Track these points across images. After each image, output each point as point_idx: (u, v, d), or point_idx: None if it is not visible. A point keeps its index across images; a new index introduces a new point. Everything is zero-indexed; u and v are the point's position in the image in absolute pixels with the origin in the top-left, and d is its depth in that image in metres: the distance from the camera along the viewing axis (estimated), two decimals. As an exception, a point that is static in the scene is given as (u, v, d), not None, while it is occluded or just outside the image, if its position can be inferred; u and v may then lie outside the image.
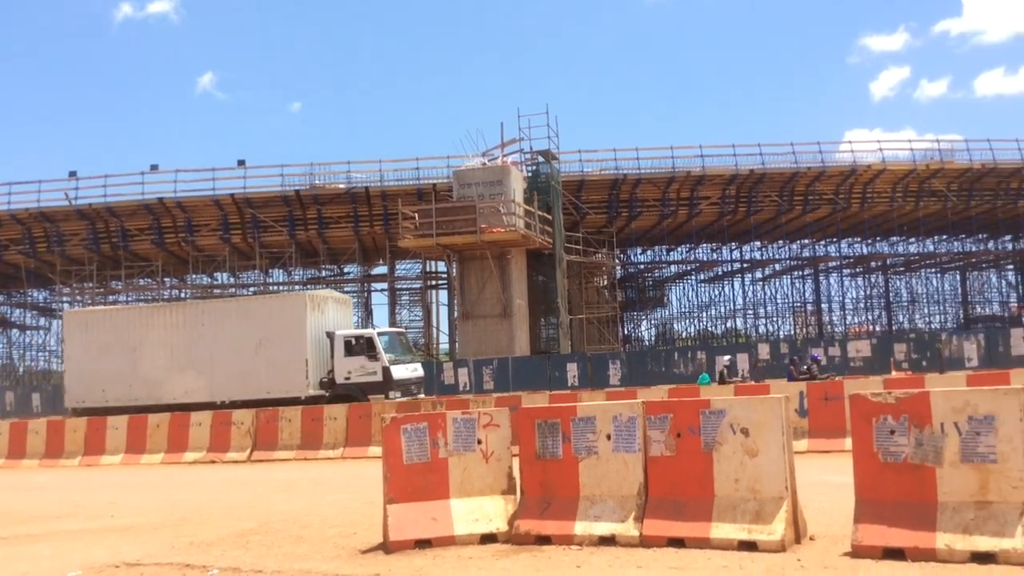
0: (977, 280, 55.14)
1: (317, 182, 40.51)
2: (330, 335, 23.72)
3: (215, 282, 47.75)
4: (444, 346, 46.26)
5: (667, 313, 57.73)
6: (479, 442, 7.46)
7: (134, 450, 18.32)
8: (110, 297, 44.49)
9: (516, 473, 7.42)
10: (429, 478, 7.36)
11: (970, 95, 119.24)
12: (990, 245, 50.67)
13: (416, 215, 34.14)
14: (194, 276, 46.48)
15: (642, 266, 52.38)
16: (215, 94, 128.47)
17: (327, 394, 23.12)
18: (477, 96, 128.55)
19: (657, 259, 51.83)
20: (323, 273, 47.61)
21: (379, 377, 23.00)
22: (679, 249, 50.46)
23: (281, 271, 46.46)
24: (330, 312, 24.80)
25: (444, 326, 45.42)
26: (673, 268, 52.92)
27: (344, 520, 8.91)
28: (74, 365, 26.08)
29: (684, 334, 57.79)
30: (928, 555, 5.51)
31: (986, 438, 5.57)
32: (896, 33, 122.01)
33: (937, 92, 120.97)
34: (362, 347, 23.29)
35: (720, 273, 52.96)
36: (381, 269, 47.26)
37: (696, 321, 57.30)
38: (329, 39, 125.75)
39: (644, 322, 57.87)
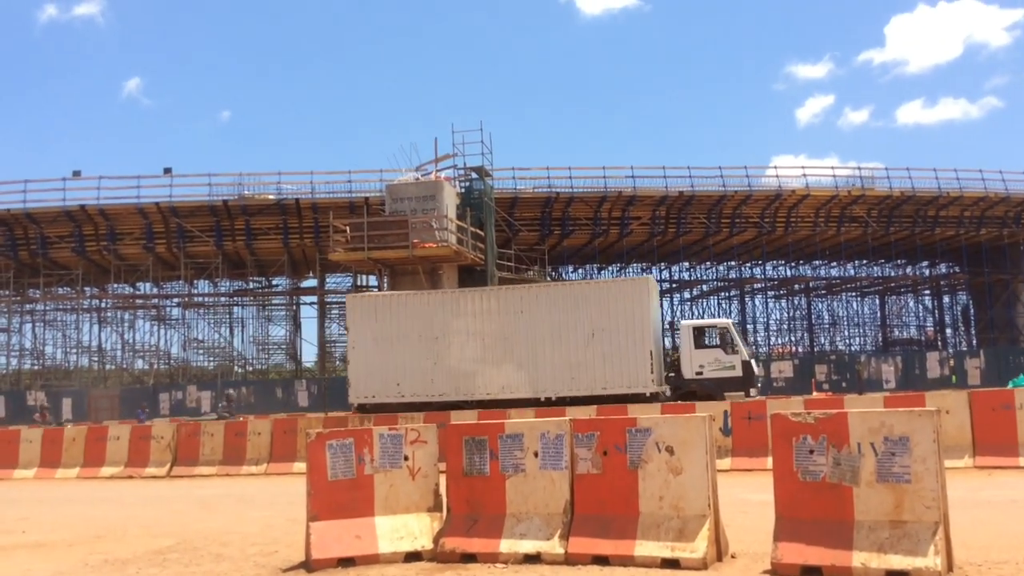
0: (895, 304, 56.96)
1: (246, 192, 39.87)
2: (672, 324, 22.51)
3: (137, 292, 46.57)
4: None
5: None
6: (406, 459, 7.40)
7: (49, 464, 17.70)
8: (27, 306, 42.98)
9: (443, 490, 7.38)
10: (354, 495, 7.27)
11: (891, 124, 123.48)
12: (908, 270, 52.42)
13: (348, 228, 33.81)
14: (115, 286, 45.25)
15: (573, 284, 52.75)
16: (141, 100, 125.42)
17: (667, 391, 21.37)
18: (411, 110, 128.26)
19: (588, 278, 52.26)
20: (250, 285, 46.81)
21: (737, 372, 21.45)
22: (610, 268, 50.99)
23: (207, 282, 45.53)
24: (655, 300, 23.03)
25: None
26: (603, 287, 53.38)
27: (266, 537, 8.74)
28: (361, 357, 23.39)
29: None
30: (844, 573, 5.64)
31: (901, 458, 5.74)
32: (821, 62, 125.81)
33: (860, 120, 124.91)
34: (716, 338, 21.95)
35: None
36: (311, 282, 46.74)
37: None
38: (261, 47, 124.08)
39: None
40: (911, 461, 5.70)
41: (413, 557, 7.10)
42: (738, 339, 21.90)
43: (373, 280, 43.36)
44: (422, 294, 25.32)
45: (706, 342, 22.11)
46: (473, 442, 7.22)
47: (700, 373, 21.84)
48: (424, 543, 7.19)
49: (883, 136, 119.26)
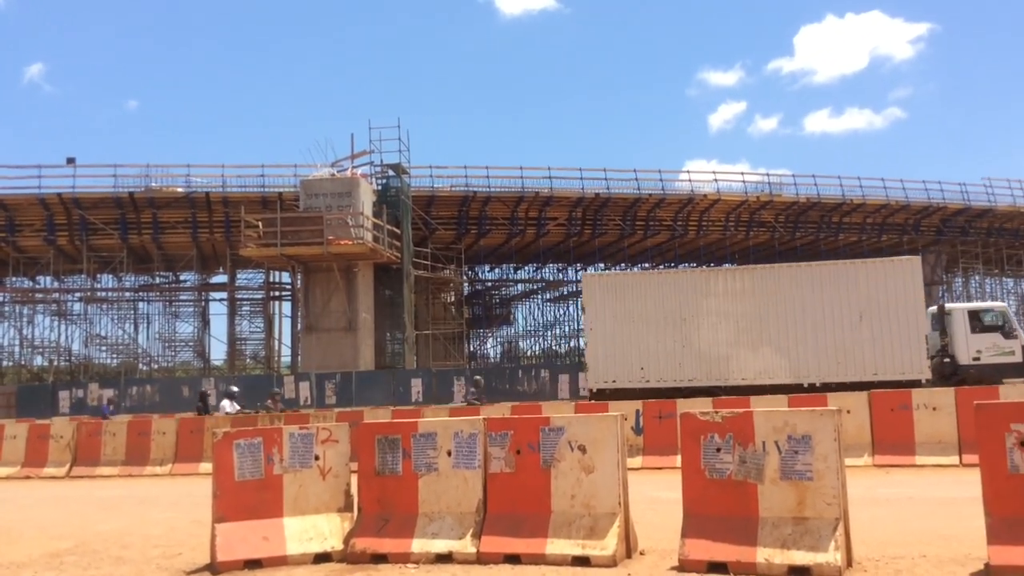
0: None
1: (153, 184, 38.66)
2: (941, 308, 21.04)
3: (37, 286, 44.73)
4: (286, 359, 45.10)
5: (513, 331, 58.50)
6: (317, 458, 7.28)
7: (-62, 464, 16.83)
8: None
9: (355, 490, 7.28)
10: (262, 495, 7.12)
11: (799, 132, 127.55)
12: (813, 274, 54.05)
13: (260, 224, 33.17)
14: (14, 279, 43.37)
15: (490, 283, 52.88)
16: (43, 86, 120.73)
17: (929, 377, 20.15)
18: (328, 105, 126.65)
19: (504, 277, 52.46)
20: (157, 280, 45.44)
21: (1017, 357, 20.43)
22: (526, 268, 51.26)
23: (111, 277, 44.02)
24: None
25: (287, 338, 44.29)
26: (520, 287, 53.70)
27: (169, 540, 8.48)
28: (599, 339, 22.23)
29: (529, 352, 58.67)
30: (749, 569, 5.77)
31: (804, 457, 5.90)
32: (732, 70, 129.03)
33: (769, 128, 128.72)
34: (994, 322, 20.89)
35: (565, 293, 54.14)
36: (221, 278, 45.62)
37: (541, 340, 58.29)
38: (171, 35, 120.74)
39: (490, 339, 58.42)
40: (813, 459, 5.87)
41: (322, 558, 6.99)
42: (1015, 323, 21.32)
43: (286, 277, 42.69)
44: (667, 273, 24.37)
45: (983, 326, 21.35)
46: (386, 441, 7.15)
47: (977, 359, 21.16)
48: (334, 544, 7.08)
49: (791, 143, 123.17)
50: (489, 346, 58.71)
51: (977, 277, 51.37)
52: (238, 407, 17.87)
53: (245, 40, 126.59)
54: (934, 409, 12.56)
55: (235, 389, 19.68)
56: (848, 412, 12.60)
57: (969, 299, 51.85)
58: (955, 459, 12.03)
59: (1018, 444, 5.55)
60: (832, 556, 5.62)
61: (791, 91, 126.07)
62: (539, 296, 55.89)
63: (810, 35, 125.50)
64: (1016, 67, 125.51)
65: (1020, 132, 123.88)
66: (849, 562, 5.88)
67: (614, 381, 22.08)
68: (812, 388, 19.97)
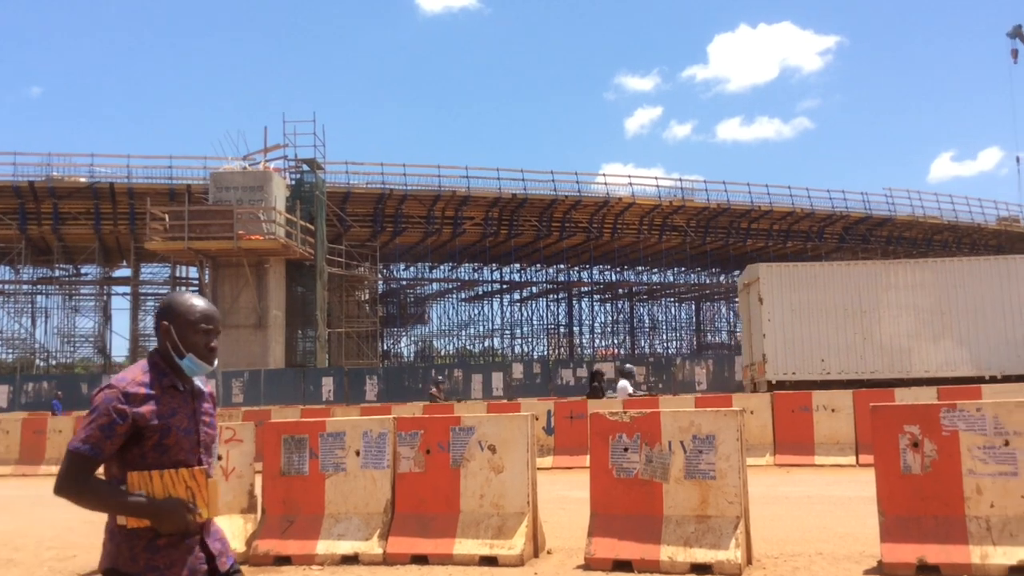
0: (710, 310, 60.20)
1: (55, 174, 37.17)
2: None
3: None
4: (192, 356, 43.80)
5: (427, 330, 58.28)
6: (220, 458, 7.09)
7: None
8: None
9: (259, 491, 7.12)
10: (162, 496, 6.89)
11: (712, 139, 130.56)
12: (722, 278, 55.45)
13: (166, 216, 32.23)
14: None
15: (405, 282, 52.54)
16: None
17: None
18: (241, 98, 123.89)
19: (420, 276, 52.20)
20: (56, 273, 43.69)
21: None
22: (442, 267, 51.12)
23: (8, 268, 42.13)
24: None
25: (193, 335, 42.98)
26: (435, 286, 53.52)
27: (63, 542, 8.15)
28: (777, 330, 21.94)
29: (443, 351, 58.53)
30: (652, 567, 5.86)
31: (708, 456, 6.02)
32: (649, 75, 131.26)
33: (683, 134, 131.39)
34: None
35: (480, 293, 54.21)
36: (124, 272, 44.15)
37: (455, 339, 58.23)
38: (77, 21, 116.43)
39: (404, 338, 58.07)
40: (716, 459, 5.99)
41: (224, 560, 6.80)
42: None
43: (193, 272, 41.54)
44: (844, 265, 24.33)
45: None
46: (292, 441, 7.01)
47: None
48: (236, 546, 6.90)
49: (704, 150, 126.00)
50: (403, 345, 58.42)
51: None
52: (632, 389, 16.99)
53: (156, 27, 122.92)
54: (833, 411, 12.98)
55: (631, 367, 18.77)
56: (752, 412, 12.94)
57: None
58: (852, 459, 12.46)
59: (911, 445, 5.77)
60: (733, 554, 5.75)
61: (705, 98, 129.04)
62: (454, 295, 55.82)
63: (724, 44, 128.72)
64: (917, 82, 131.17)
65: (920, 144, 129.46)
66: (749, 559, 6.02)
67: (794, 373, 22.19)
68: (994, 380, 20.04)
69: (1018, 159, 56.84)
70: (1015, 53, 52.21)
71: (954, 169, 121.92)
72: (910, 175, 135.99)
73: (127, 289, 42.89)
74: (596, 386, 16.22)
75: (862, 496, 7.46)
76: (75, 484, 2.51)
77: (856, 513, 7.89)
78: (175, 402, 2.62)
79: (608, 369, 33.38)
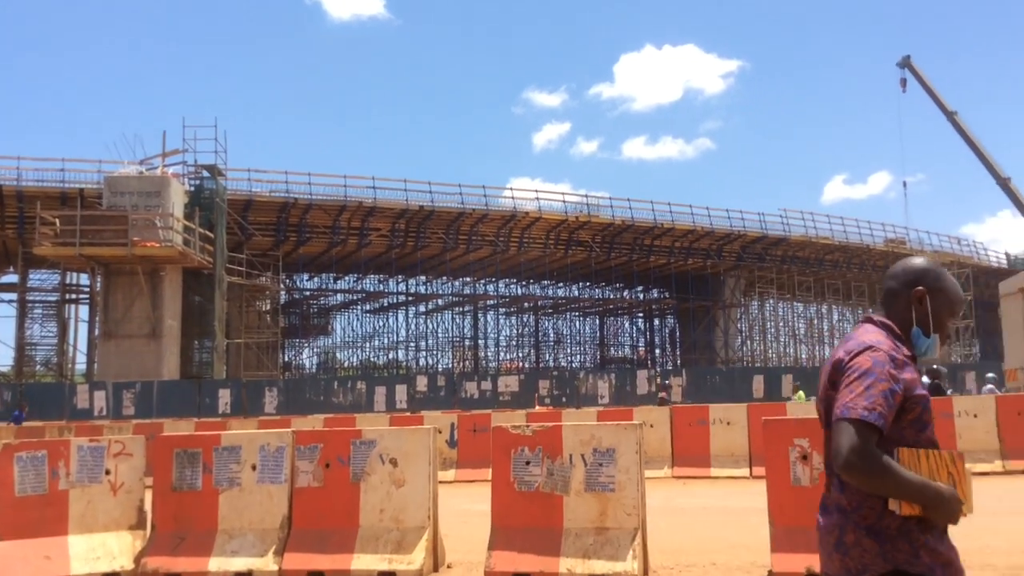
0: (613, 325, 61.12)
1: (-64, 174, 35.22)
2: None
3: None
4: (82, 367, 42.12)
5: (331, 342, 57.40)
6: (108, 472, 6.83)
7: None
8: None
9: (150, 507, 6.87)
10: (45, 512, 6.61)
11: (617, 156, 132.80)
12: (625, 294, 56.40)
13: (57, 221, 30.90)
14: None
15: (308, 292, 51.66)
16: None
17: None
18: (139, 100, 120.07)
19: (324, 286, 51.40)
20: (-64, 277, 41.37)
21: None
22: (347, 278, 50.47)
23: None
24: None
25: (83, 344, 41.40)
26: (340, 297, 52.78)
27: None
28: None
29: (347, 363, 57.72)
30: (552, 579, 5.88)
31: (607, 469, 6.10)
32: (557, 92, 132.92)
33: (590, 151, 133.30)
34: None
35: (386, 304, 53.71)
36: (11, 277, 42.07)
37: (360, 351, 57.52)
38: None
39: (307, 350, 57.04)
40: (616, 471, 6.08)
41: (110, 579, 6.55)
42: None
43: (85, 279, 39.94)
44: None
45: None
46: (185, 455, 6.80)
47: None
48: (124, 563, 6.66)
49: (610, 167, 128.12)
50: (305, 356, 57.35)
51: (771, 301, 55.20)
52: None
53: (50, 26, 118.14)
54: (728, 424, 13.34)
55: (943, 369, 17.91)
56: (651, 426, 13.18)
57: (763, 322, 55.72)
58: (746, 471, 12.82)
59: (800, 458, 5.97)
60: (630, 565, 5.82)
61: (611, 116, 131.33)
62: (359, 307, 55.17)
63: (630, 63, 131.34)
64: (812, 108, 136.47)
65: (814, 167, 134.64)
66: (646, 570, 6.11)
67: None
68: None
69: (904, 184, 59.65)
70: (904, 82, 54.93)
71: (846, 192, 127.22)
72: (805, 197, 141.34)
73: (13, 296, 40.90)
74: (936, 383, 15.46)
75: (755, 507, 7.66)
76: (868, 459, 2.06)
77: (749, 524, 8.10)
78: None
79: (512, 382, 33.53)
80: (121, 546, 6.73)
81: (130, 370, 31.19)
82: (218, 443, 6.83)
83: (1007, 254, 56.73)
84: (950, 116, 54.37)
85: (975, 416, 12.64)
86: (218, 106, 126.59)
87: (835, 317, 59.57)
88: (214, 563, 6.47)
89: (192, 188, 35.10)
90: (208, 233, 33.83)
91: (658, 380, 32.36)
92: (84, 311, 42.28)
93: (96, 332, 36.22)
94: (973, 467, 11.97)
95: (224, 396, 30.67)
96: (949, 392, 15.98)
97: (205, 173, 35.11)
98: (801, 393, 22.82)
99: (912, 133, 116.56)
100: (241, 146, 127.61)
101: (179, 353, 33.93)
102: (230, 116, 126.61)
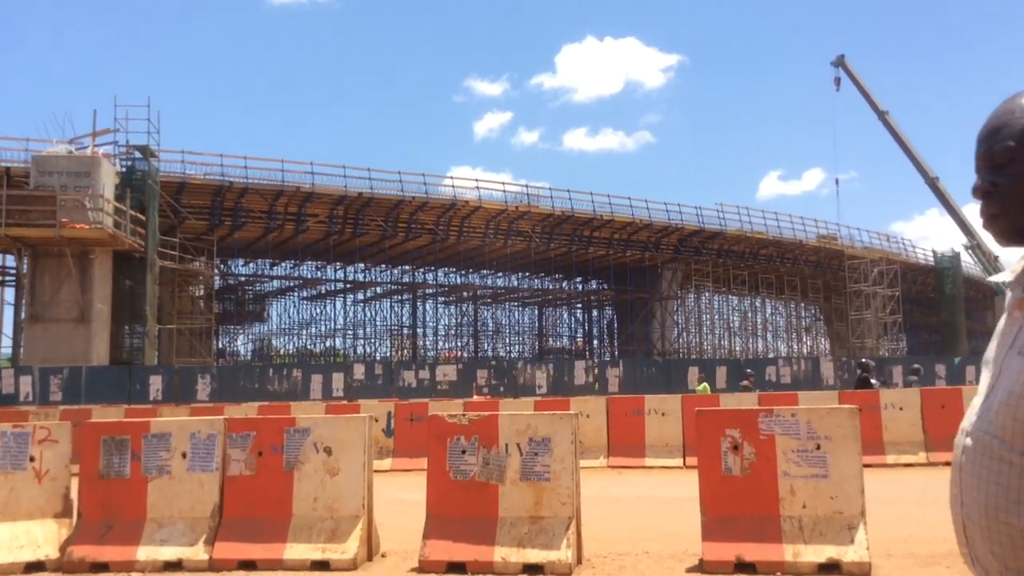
0: (551, 315, 61.43)
1: None
2: None
3: None
4: (6, 351, 40.81)
5: (267, 328, 56.60)
6: (32, 459, 6.64)
7: None
8: None
9: (76, 495, 6.70)
10: (-36, 501, 6.39)
11: (558, 147, 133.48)
12: (564, 285, 56.72)
13: (-19, 200, 29.85)
14: None
15: (243, 278, 50.83)
16: None
17: None
18: (69, 78, 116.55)
19: (260, 272, 50.63)
20: None
21: None
22: (283, 264, 49.79)
23: None
24: None
25: (8, 328, 40.09)
26: (276, 283, 52.06)
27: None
28: None
29: (283, 350, 56.99)
30: (486, 568, 5.91)
31: (543, 458, 6.14)
32: (499, 81, 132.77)
33: (531, 141, 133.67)
34: None
35: (323, 292, 53.13)
36: (-70, 259, 40.56)
37: (296, 338, 56.84)
38: None
39: (242, 336, 56.15)
40: (551, 461, 6.12)
41: (35, 568, 6.40)
42: None
43: (11, 260, 38.68)
44: None
45: None
46: (113, 442, 6.64)
47: None
48: (49, 552, 6.48)
49: (551, 158, 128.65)
50: (240, 343, 56.46)
51: (707, 294, 56.07)
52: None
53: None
54: (663, 414, 13.52)
55: (869, 361, 17.62)
56: (588, 416, 13.29)
57: (699, 315, 56.57)
58: (680, 461, 13.01)
59: (731, 448, 6.08)
60: (564, 554, 5.88)
61: (552, 107, 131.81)
62: (295, 293, 54.49)
63: (571, 54, 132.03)
64: (750, 104, 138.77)
65: (750, 162, 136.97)
66: (580, 559, 6.17)
67: None
68: None
69: (837, 181, 61.23)
70: (837, 81, 56.23)
71: (780, 188, 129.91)
72: (741, 192, 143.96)
73: (-68, 277, 39.45)
74: (864, 377, 15.83)
75: (688, 496, 7.79)
76: None
77: (681, 513, 8.24)
78: None
79: (451, 372, 33.46)
80: (46, 534, 6.56)
81: (58, 355, 30.32)
82: (147, 430, 6.69)
83: (934, 252, 58.49)
84: (882, 115, 55.85)
85: (901, 409, 13.02)
86: (152, 86, 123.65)
87: (768, 311, 60.83)
88: (143, 552, 6.34)
89: (124, 169, 34.20)
90: (140, 216, 33.02)
91: (595, 370, 32.59)
92: (10, 294, 40.96)
93: (22, 315, 35.14)
94: (899, 459, 12.39)
95: (156, 383, 29.99)
96: (876, 385, 16.56)
97: (137, 154, 34.22)
98: (706, 384, 23.32)
99: (845, 132, 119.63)
100: (175, 128, 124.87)
101: (109, 338, 33.09)
102: (164, 97, 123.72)
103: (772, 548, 5.82)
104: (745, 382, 21.65)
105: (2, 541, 6.43)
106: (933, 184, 56.06)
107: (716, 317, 58.16)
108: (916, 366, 21.39)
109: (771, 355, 54.04)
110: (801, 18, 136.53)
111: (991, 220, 1.43)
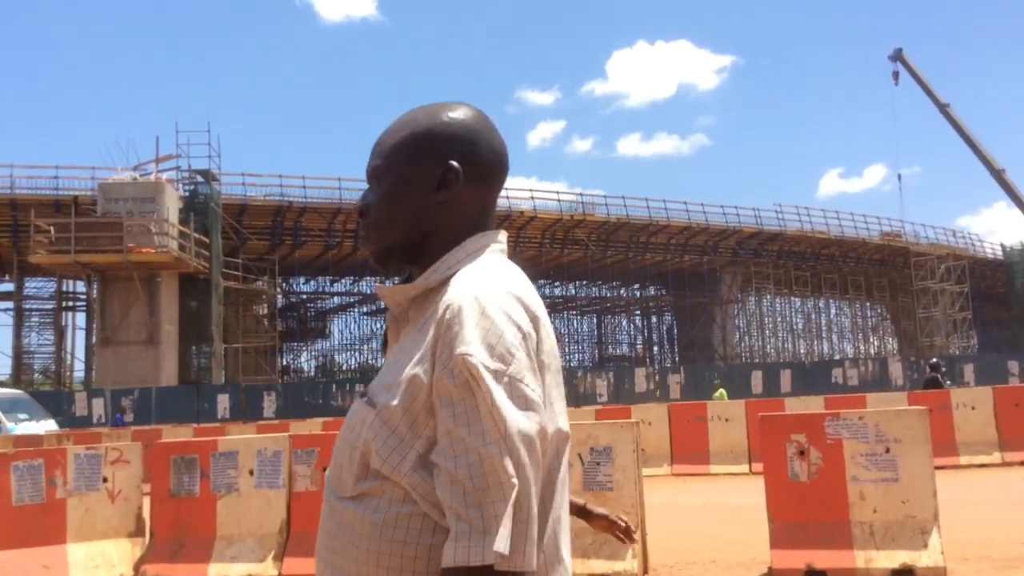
0: (611, 323, 61.14)
1: (-69, 184, 35.15)
2: None
3: None
4: (79, 374, 42.05)
5: (329, 344, 57.36)
6: (105, 480, 6.81)
7: None
8: None
9: (148, 514, 6.87)
10: (43, 521, 6.59)
11: (612, 154, 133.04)
12: (622, 292, 56.41)
13: (52, 228, 30.86)
14: None
15: (305, 296, 51.62)
16: None
17: None
18: (132, 106, 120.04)
19: (321, 290, 51.38)
20: (-69, 287, 41.27)
21: None
22: (343, 281, 50.45)
23: None
24: None
25: (80, 352, 41.33)
26: (337, 300, 52.77)
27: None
28: None
29: (345, 366, 57.71)
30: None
31: (605, 468, 6.10)
32: (550, 90, 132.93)
33: (584, 149, 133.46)
34: None
35: (383, 306, 53.69)
36: (7, 286, 42.06)
37: (358, 353, 57.49)
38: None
39: (305, 353, 56.99)
40: (613, 470, 6.07)
41: (110, 587, 6.54)
42: None
43: (81, 286, 39.92)
44: None
45: None
46: (182, 461, 6.79)
47: None
48: (123, 571, 6.65)
49: (605, 165, 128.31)
50: (304, 360, 57.29)
51: (768, 296, 55.22)
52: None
53: (42, 31, 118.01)
54: (727, 420, 13.33)
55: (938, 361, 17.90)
56: (650, 424, 13.16)
57: (761, 318, 55.72)
58: (745, 467, 12.80)
59: (798, 453, 5.96)
60: (630, 564, 5.82)
61: (605, 114, 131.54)
62: (356, 309, 55.15)
63: (622, 60, 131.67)
64: (807, 102, 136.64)
65: (809, 161, 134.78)
66: (646, 569, 6.11)
67: None
68: None
69: (899, 177, 59.80)
70: (896, 75, 55.02)
71: (841, 186, 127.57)
72: (800, 191, 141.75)
73: (9, 304, 40.87)
74: (933, 376, 15.87)
75: (754, 503, 7.66)
76: None
77: (748, 520, 8.09)
78: None
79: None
80: (120, 554, 6.72)
81: (128, 376, 31.16)
82: (215, 448, 6.82)
83: (1003, 245, 56.74)
84: (943, 108, 54.48)
85: (973, 408, 12.63)
86: (211, 110, 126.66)
87: (832, 311, 59.64)
88: (213, 569, 6.46)
89: (186, 193, 35.08)
90: (203, 238, 33.81)
91: (656, 377, 32.26)
92: (81, 318, 42.31)
93: (93, 339, 36.20)
94: (972, 460, 12.02)
95: (223, 401, 30.63)
96: (947, 384, 15.99)
97: (199, 178, 35.09)
98: (722, 391, 22.60)
99: (906, 126, 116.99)
100: (235, 150, 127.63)
101: (177, 359, 33.91)
102: (223, 120, 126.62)
103: (843, 555, 5.69)
104: (935, 373, 19.03)
105: (79, 561, 6.60)
106: (999, 176, 54.42)
107: (779, 320, 57.22)
108: (935, 360, 19.56)
109: (837, 357, 52.89)
110: (855, 12, 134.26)
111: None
